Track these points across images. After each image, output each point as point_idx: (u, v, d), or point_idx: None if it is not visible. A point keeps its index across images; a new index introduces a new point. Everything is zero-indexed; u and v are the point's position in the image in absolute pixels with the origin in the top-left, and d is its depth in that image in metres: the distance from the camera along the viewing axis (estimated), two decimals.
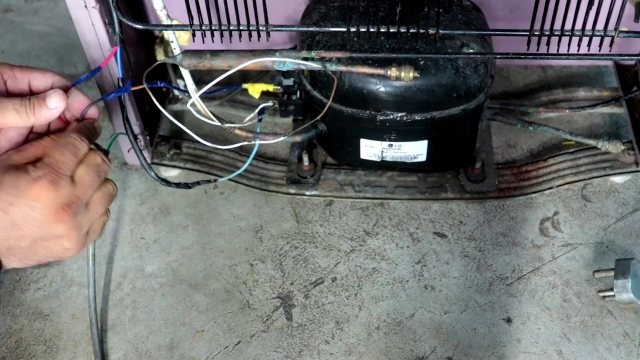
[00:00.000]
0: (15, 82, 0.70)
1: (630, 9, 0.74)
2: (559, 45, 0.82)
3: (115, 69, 0.91)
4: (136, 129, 1.02)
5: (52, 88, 0.71)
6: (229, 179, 1.06)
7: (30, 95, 0.71)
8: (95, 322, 0.93)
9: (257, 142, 0.91)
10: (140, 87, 0.79)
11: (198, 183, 0.94)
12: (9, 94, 0.70)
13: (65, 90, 0.71)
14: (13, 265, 0.70)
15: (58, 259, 0.72)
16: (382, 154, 0.98)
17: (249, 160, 0.97)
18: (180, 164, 1.09)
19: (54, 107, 0.69)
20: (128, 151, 1.06)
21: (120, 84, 0.79)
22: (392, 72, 0.81)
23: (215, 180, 1.01)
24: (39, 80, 0.71)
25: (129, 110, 0.96)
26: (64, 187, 0.70)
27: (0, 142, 0.71)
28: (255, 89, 1.01)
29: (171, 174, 1.09)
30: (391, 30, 0.76)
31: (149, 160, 1.06)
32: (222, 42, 0.85)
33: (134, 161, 1.10)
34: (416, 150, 0.97)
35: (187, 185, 0.91)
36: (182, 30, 0.77)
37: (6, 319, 0.98)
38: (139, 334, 0.95)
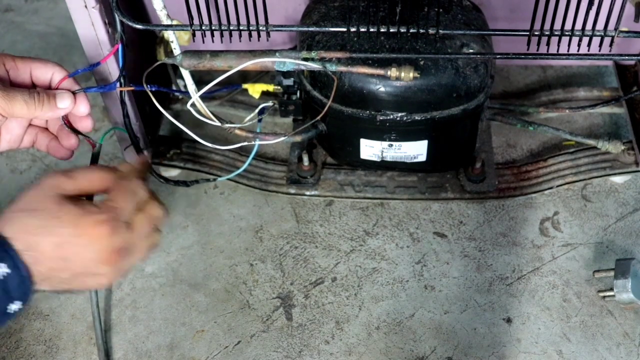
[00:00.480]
0: (17, 73, 0.71)
1: (630, 9, 0.74)
2: (559, 45, 0.82)
3: (114, 67, 0.92)
4: (136, 129, 1.02)
5: (52, 78, 0.72)
6: (229, 179, 1.06)
7: (33, 86, 0.72)
8: (97, 316, 0.93)
9: (257, 142, 0.91)
10: (130, 88, 0.80)
11: (197, 182, 0.94)
12: (11, 82, 0.71)
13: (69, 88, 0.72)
14: (42, 288, 0.71)
15: (88, 290, 0.75)
16: (382, 154, 0.98)
17: (249, 160, 0.98)
18: (180, 164, 1.09)
19: (63, 107, 0.71)
20: (125, 149, 1.06)
21: (122, 83, 0.80)
22: (392, 72, 0.81)
23: (214, 180, 1.01)
24: (40, 71, 0.72)
25: (129, 111, 0.96)
26: (122, 233, 0.71)
27: None
28: (255, 89, 1.01)
29: (171, 173, 1.09)
30: (391, 30, 0.76)
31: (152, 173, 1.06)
32: (222, 42, 0.85)
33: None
34: (416, 150, 0.97)
35: (185, 184, 0.91)
36: (182, 30, 0.77)
37: None
38: (139, 334, 0.95)
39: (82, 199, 0.71)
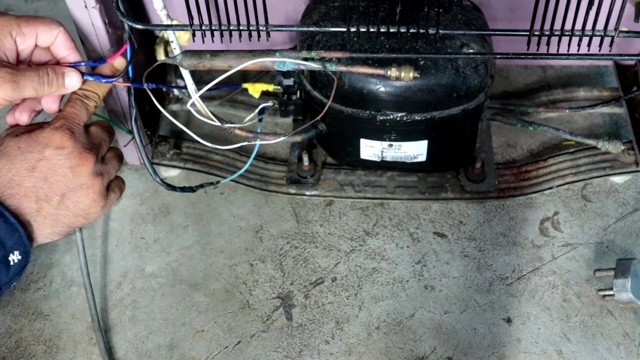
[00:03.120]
0: (23, 39, 0.72)
1: (630, 9, 0.74)
2: (559, 45, 0.82)
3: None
4: (136, 129, 1.01)
5: (56, 39, 0.73)
6: (226, 177, 1.07)
7: (36, 58, 0.73)
8: (94, 313, 0.93)
9: (257, 142, 0.91)
10: (126, 84, 0.80)
11: (202, 186, 0.94)
12: (18, 52, 0.72)
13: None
14: (43, 238, 0.72)
15: (86, 219, 0.75)
16: (382, 154, 0.98)
17: (250, 161, 0.98)
18: (180, 164, 1.09)
19: (70, 86, 0.73)
20: (125, 145, 1.06)
21: (130, 80, 0.80)
22: (392, 72, 0.81)
23: (217, 182, 1.02)
24: (46, 35, 0.73)
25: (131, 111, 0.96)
26: (82, 136, 0.74)
27: None
28: (255, 89, 1.01)
29: (171, 174, 1.09)
30: (391, 30, 0.76)
31: (159, 182, 1.06)
32: (222, 42, 0.85)
33: (134, 161, 1.09)
34: (416, 150, 0.97)
35: (191, 189, 0.91)
36: (182, 30, 0.77)
37: (6, 319, 0.98)
38: (139, 334, 0.95)
39: (40, 124, 0.73)
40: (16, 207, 0.69)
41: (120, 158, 0.78)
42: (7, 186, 0.69)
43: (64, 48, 0.73)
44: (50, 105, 0.74)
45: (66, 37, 0.73)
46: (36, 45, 0.73)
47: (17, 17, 0.72)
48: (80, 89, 0.77)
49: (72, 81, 0.72)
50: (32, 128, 0.73)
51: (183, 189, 0.90)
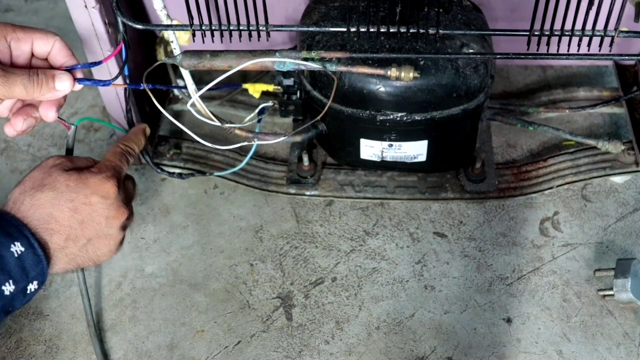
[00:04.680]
0: (18, 44, 0.71)
1: (630, 9, 0.74)
2: (559, 45, 0.82)
3: (114, 67, 0.92)
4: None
5: (52, 50, 0.72)
6: (225, 176, 1.07)
7: (32, 58, 0.72)
8: (90, 319, 0.93)
9: (257, 142, 0.91)
10: (122, 85, 0.80)
11: (192, 174, 0.96)
12: (12, 57, 0.72)
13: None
14: (55, 270, 0.74)
15: (93, 263, 0.78)
16: (382, 154, 0.98)
17: (246, 159, 0.98)
18: (180, 164, 1.09)
19: (61, 89, 0.72)
20: None
21: (128, 81, 0.80)
22: (392, 72, 0.81)
23: (210, 174, 1.02)
24: (42, 42, 0.72)
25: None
26: (122, 189, 0.77)
27: None
28: (255, 89, 1.01)
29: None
30: (391, 30, 0.76)
31: (148, 160, 1.06)
32: (222, 42, 0.85)
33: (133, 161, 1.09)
34: (416, 150, 0.97)
35: (180, 176, 0.93)
36: (182, 30, 0.77)
37: (6, 318, 0.97)
38: (139, 334, 0.95)
39: (81, 169, 0.75)
40: (46, 241, 0.72)
41: (133, 215, 0.82)
42: (45, 220, 0.72)
43: (61, 56, 0.73)
44: (47, 112, 0.74)
45: (63, 45, 0.73)
46: (33, 56, 0.73)
47: (14, 24, 0.72)
48: (123, 144, 0.81)
49: (64, 84, 0.71)
50: (81, 165, 0.76)
51: (172, 174, 0.92)
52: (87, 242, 0.75)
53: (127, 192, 0.79)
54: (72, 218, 0.72)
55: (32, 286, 0.70)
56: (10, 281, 0.68)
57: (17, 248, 0.68)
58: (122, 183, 0.78)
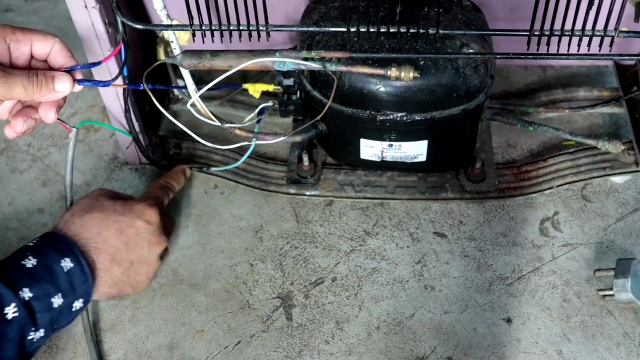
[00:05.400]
0: (17, 45, 0.72)
1: (630, 9, 0.74)
2: (559, 45, 0.82)
3: (114, 67, 0.92)
4: (136, 129, 1.02)
5: (51, 51, 0.73)
6: (225, 176, 1.07)
7: (32, 59, 0.73)
8: (87, 323, 0.93)
9: (257, 142, 0.91)
10: (122, 86, 0.81)
11: (191, 168, 0.99)
12: (11, 58, 0.71)
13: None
14: (97, 294, 0.79)
15: (132, 292, 0.85)
16: (382, 154, 0.98)
17: (243, 158, 0.99)
18: (180, 164, 1.08)
19: (61, 90, 0.72)
20: (127, 148, 1.06)
21: (127, 81, 0.80)
22: (392, 72, 0.81)
23: (203, 169, 1.03)
24: (41, 43, 0.73)
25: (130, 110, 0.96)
26: (162, 219, 0.83)
27: None
28: (255, 89, 1.01)
29: None
30: (391, 30, 0.76)
31: (148, 160, 1.06)
32: (222, 42, 0.85)
33: (134, 160, 1.10)
34: (416, 150, 0.97)
35: (165, 167, 0.98)
36: (182, 30, 0.77)
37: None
38: (139, 334, 0.95)
39: (125, 198, 0.82)
40: (93, 260, 0.76)
41: (168, 250, 0.88)
42: (94, 239, 0.76)
43: (60, 57, 0.73)
44: (47, 113, 0.74)
45: (62, 47, 0.73)
46: (32, 57, 0.73)
47: (13, 26, 0.72)
48: (164, 180, 0.90)
49: (63, 85, 0.71)
50: (127, 197, 0.83)
51: (160, 165, 0.96)
52: (129, 265, 0.79)
53: (165, 223, 0.84)
54: (118, 239, 0.76)
55: (78, 304, 0.72)
56: (60, 294, 0.70)
57: (66, 264, 0.71)
58: (162, 215, 0.82)
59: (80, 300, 0.73)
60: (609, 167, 1.05)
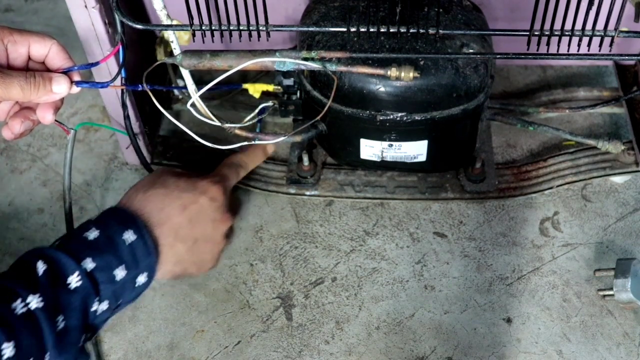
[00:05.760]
0: (15, 47, 0.71)
1: (630, 9, 0.74)
2: (559, 45, 0.82)
3: (114, 67, 0.92)
4: (136, 129, 1.02)
5: (49, 53, 0.73)
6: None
7: (29, 60, 0.73)
8: None
9: (257, 142, 0.91)
10: (121, 86, 0.81)
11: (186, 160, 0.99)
12: (9, 60, 0.71)
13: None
14: (161, 273, 0.76)
15: (197, 271, 0.82)
16: (382, 154, 0.98)
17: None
18: (180, 164, 1.08)
19: (58, 92, 0.72)
20: (127, 148, 1.06)
21: (125, 82, 0.80)
22: (392, 72, 0.81)
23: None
24: (39, 45, 0.72)
25: (129, 111, 0.96)
26: (228, 197, 0.82)
27: None
28: (255, 89, 1.01)
29: None
30: (391, 30, 0.76)
31: (148, 160, 1.06)
32: (222, 42, 0.85)
33: (134, 161, 1.09)
34: (416, 150, 0.97)
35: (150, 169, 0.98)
36: (182, 30, 0.77)
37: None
38: (139, 334, 0.95)
39: (190, 175, 0.81)
40: (156, 236, 0.74)
41: (233, 229, 0.87)
42: (157, 214, 0.75)
43: (58, 59, 0.73)
44: (45, 115, 0.74)
45: (60, 49, 0.73)
46: (30, 59, 0.73)
47: (11, 27, 0.72)
48: (238, 157, 0.88)
49: (61, 87, 0.71)
50: (192, 174, 0.81)
51: (146, 165, 0.99)
52: (193, 243, 0.77)
53: (232, 203, 0.82)
54: (182, 215, 0.76)
55: (142, 278, 0.71)
56: (122, 266, 0.69)
57: (129, 236, 0.70)
58: (229, 193, 0.81)
59: (144, 274, 0.72)
60: (609, 167, 1.05)
